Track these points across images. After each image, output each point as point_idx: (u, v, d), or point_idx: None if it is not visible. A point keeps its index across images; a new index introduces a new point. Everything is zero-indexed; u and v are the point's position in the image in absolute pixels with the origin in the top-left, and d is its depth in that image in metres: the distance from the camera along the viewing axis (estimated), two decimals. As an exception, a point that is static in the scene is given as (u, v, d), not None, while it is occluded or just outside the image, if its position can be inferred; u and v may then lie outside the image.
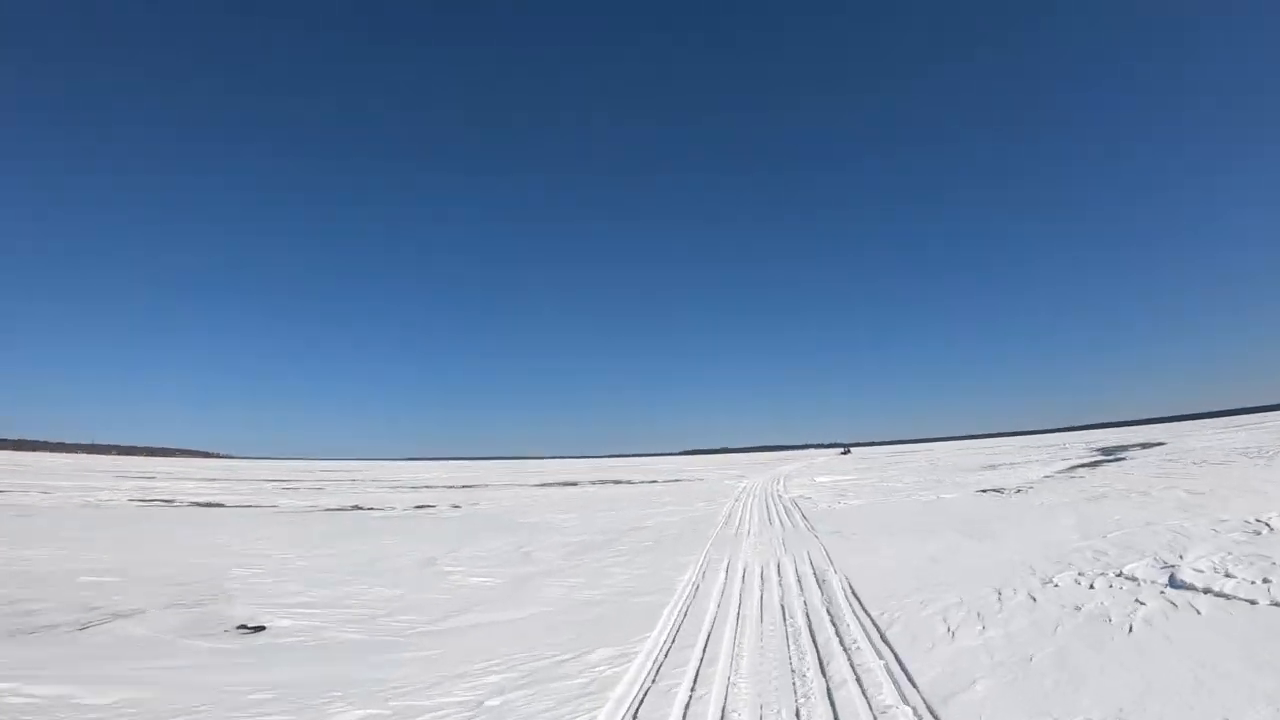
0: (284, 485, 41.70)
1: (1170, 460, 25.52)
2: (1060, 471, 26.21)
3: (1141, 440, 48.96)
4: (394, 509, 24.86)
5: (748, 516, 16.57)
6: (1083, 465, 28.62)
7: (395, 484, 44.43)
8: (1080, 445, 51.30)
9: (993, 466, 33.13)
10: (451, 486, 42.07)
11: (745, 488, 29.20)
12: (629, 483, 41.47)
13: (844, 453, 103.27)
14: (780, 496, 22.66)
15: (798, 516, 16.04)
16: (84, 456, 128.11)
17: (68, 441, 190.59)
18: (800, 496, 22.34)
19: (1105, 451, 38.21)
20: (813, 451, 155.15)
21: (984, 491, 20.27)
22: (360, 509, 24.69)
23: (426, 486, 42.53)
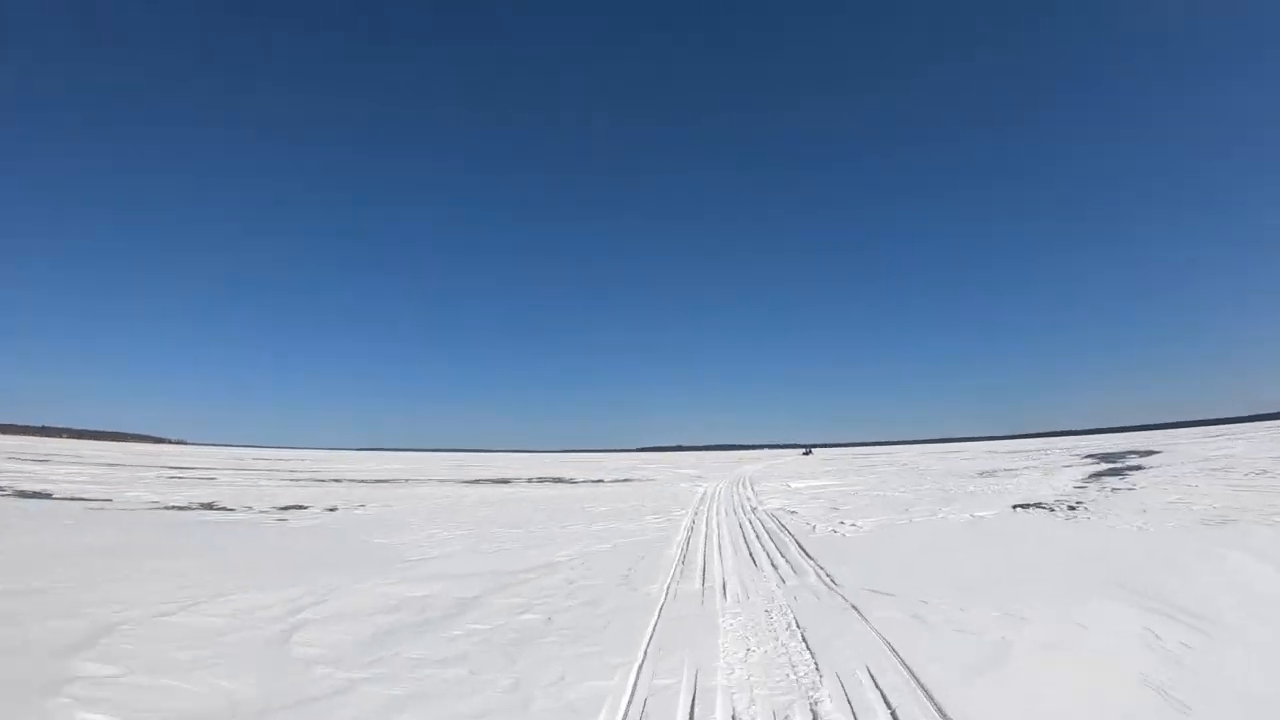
0: (173, 475, 34.02)
1: (1219, 470, 21.25)
2: (1085, 480, 21.62)
3: (1126, 447, 45.91)
4: (251, 510, 18.78)
5: (716, 548, 10.75)
6: (1104, 474, 24.19)
7: (306, 477, 36.97)
8: (1060, 451, 47.95)
9: (990, 473, 28.55)
10: (366, 481, 35.22)
11: (707, 494, 23.55)
12: (570, 482, 35.39)
13: (805, 453, 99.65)
14: (755, 510, 17.04)
15: (793, 549, 10.35)
16: (27, 439, 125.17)
17: (19, 424, 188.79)
18: (781, 509, 16.79)
19: (1105, 458, 34.37)
20: (770, 452, 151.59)
21: (1024, 508, 15.17)
22: (212, 508, 18.54)
23: (336, 480, 35.55)
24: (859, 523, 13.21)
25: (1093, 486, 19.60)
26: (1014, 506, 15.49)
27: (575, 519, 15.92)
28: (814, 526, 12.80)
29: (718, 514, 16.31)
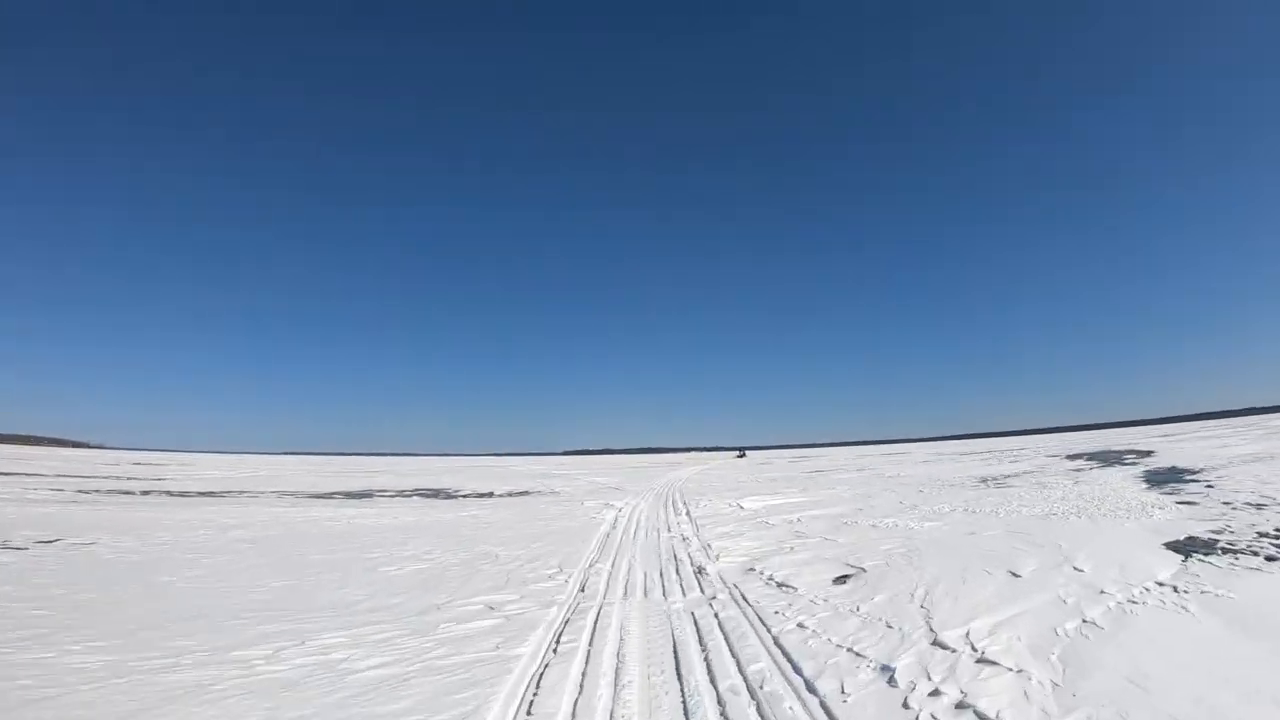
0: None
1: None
2: (1163, 492, 15.09)
3: (1100, 446, 41.66)
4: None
5: None
6: (1162, 480, 17.90)
7: (116, 489, 26.59)
8: (1028, 451, 43.25)
9: (998, 482, 21.98)
10: (188, 494, 26.20)
11: (619, 527, 15.22)
12: (450, 497, 26.20)
13: (740, 455, 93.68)
14: (703, 573, 8.85)
15: None
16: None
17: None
18: (755, 572, 8.75)
19: (1106, 459, 28.94)
20: (698, 455, 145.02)
21: (1193, 556, 7.89)
22: None
23: (167, 493, 26.50)
24: (973, 631, 5.29)
25: (1203, 502, 12.89)
26: (1176, 551, 8.20)
27: (325, 609, 7.18)
28: (888, 671, 4.71)
29: (629, 591, 8.02)
